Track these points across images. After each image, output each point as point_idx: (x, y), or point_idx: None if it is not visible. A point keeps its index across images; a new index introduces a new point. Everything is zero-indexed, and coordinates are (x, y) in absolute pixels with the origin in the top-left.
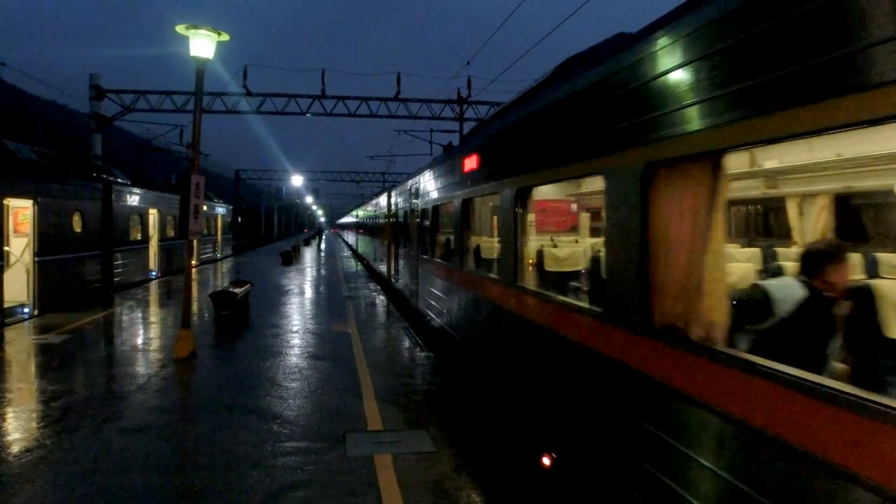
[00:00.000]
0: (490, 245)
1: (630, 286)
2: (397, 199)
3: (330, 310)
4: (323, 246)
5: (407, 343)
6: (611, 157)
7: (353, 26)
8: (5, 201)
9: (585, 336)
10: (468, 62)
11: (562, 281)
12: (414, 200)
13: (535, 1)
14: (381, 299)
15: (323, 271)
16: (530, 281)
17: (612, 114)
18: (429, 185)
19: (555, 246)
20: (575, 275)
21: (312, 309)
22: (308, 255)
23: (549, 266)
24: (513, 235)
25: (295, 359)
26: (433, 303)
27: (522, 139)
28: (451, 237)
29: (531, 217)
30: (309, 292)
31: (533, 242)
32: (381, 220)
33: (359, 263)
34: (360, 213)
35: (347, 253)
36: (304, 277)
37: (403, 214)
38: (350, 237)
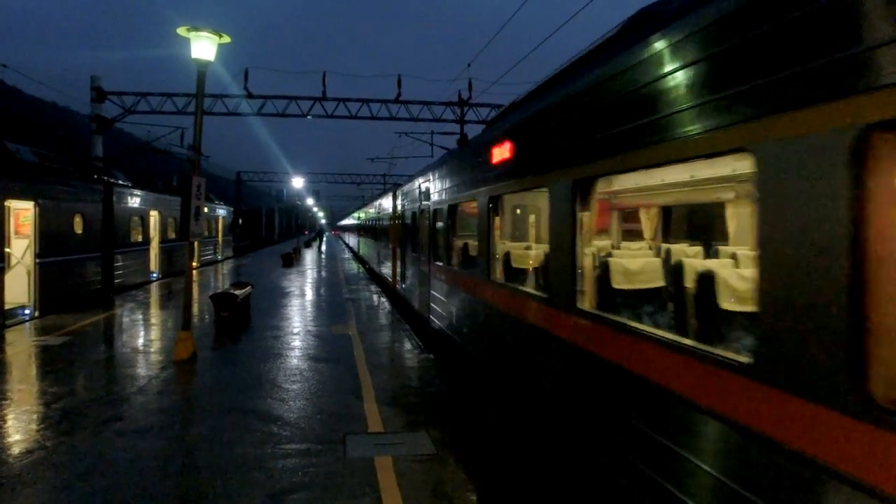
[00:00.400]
0: (526, 254)
1: (824, 328)
2: (404, 199)
3: (330, 312)
4: (324, 248)
5: (408, 345)
6: (773, 121)
7: (354, 28)
8: (6, 203)
9: (713, 398)
10: (469, 64)
11: (637, 304)
12: (424, 201)
13: (536, 3)
14: (381, 301)
15: (324, 273)
16: (598, 304)
17: (796, 48)
18: (444, 182)
19: (608, 255)
20: (653, 296)
21: (313, 311)
22: (309, 257)
23: (617, 282)
24: (569, 243)
25: (295, 361)
26: (445, 314)
27: (593, 113)
28: (474, 242)
29: (594, 219)
30: (310, 294)
31: (596, 251)
32: (386, 222)
33: (360, 266)
34: (363, 214)
35: (348, 255)
36: (305, 279)
37: (412, 216)
38: (351, 239)
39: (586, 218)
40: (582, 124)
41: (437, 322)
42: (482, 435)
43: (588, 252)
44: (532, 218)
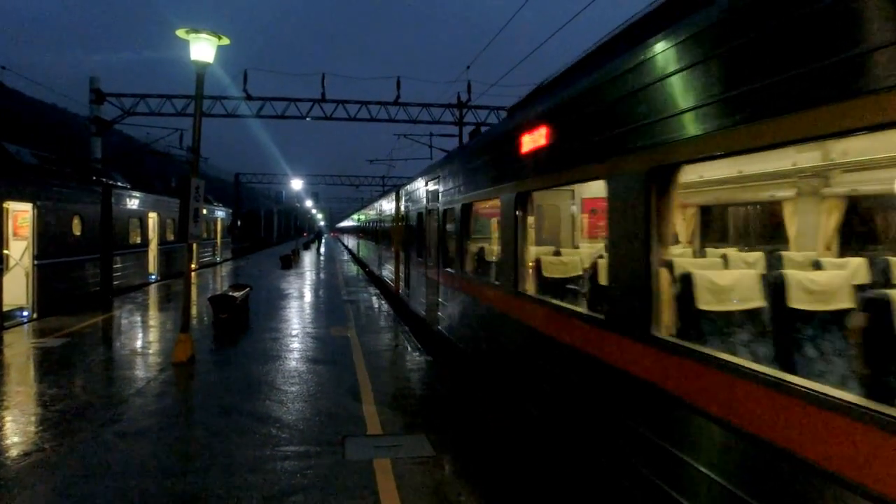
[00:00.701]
0: (565, 262)
1: None
2: (409, 199)
3: (329, 314)
4: (322, 250)
5: (406, 347)
6: None
7: (353, 31)
8: (5, 205)
9: None
10: (468, 66)
11: (731, 331)
12: (432, 201)
13: (535, 6)
14: (380, 303)
15: (322, 275)
16: (681, 331)
17: None
18: (456, 179)
19: (669, 263)
20: (750, 320)
21: (312, 313)
22: (307, 259)
23: (705, 303)
24: (639, 251)
25: (294, 363)
26: (456, 326)
27: (698, 71)
28: (493, 247)
29: (673, 220)
30: (308, 296)
31: (675, 261)
32: (388, 224)
33: (359, 269)
34: (362, 216)
35: (347, 257)
36: (304, 281)
37: (417, 217)
38: (351, 241)
39: (664, 218)
40: (677, 89)
41: (446, 333)
42: (482, 438)
43: (665, 263)
44: (572, 218)
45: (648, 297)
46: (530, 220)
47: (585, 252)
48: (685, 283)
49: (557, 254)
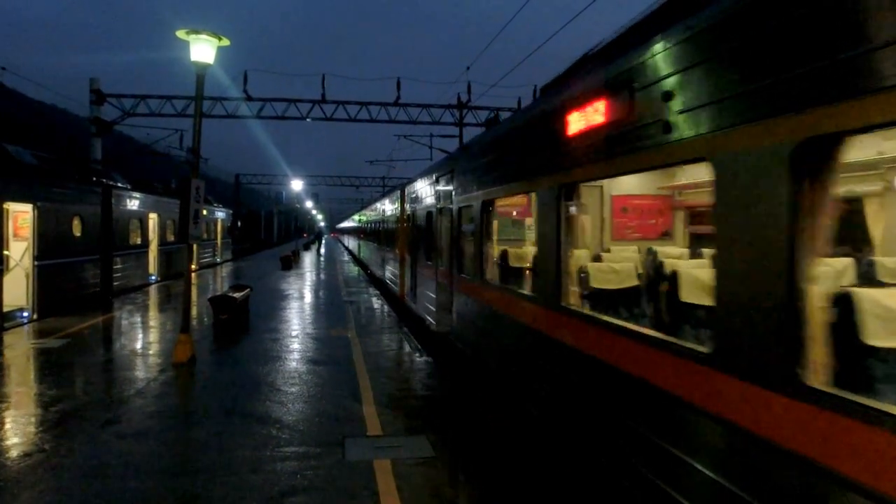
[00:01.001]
0: (610, 270)
1: None
2: (415, 198)
3: (329, 314)
4: (323, 251)
5: (406, 348)
6: None
7: (353, 31)
8: (5, 205)
9: None
10: (468, 67)
11: None
12: (444, 199)
13: (535, 7)
14: (380, 304)
15: (323, 276)
16: (842, 379)
17: None
18: (474, 173)
19: (820, 282)
20: None
21: (312, 313)
22: (308, 259)
23: (874, 335)
24: (778, 263)
25: (294, 363)
26: (475, 339)
27: None
28: (521, 251)
29: (831, 218)
30: (308, 297)
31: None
32: (392, 225)
33: (360, 270)
34: (363, 217)
35: (348, 258)
36: (304, 282)
37: (426, 217)
38: (351, 242)
39: (818, 215)
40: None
41: (459, 344)
42: (481, 439)
43: (818, 279)
44: (601, 218)
45: (796, 329)
46: (577, 218)
47: (634, 257)
48: (844, 308)
49: (602, 259)
